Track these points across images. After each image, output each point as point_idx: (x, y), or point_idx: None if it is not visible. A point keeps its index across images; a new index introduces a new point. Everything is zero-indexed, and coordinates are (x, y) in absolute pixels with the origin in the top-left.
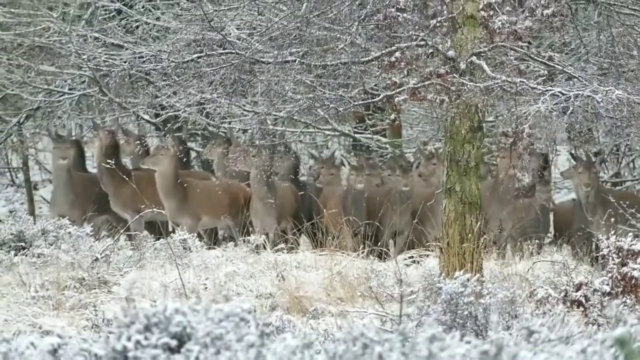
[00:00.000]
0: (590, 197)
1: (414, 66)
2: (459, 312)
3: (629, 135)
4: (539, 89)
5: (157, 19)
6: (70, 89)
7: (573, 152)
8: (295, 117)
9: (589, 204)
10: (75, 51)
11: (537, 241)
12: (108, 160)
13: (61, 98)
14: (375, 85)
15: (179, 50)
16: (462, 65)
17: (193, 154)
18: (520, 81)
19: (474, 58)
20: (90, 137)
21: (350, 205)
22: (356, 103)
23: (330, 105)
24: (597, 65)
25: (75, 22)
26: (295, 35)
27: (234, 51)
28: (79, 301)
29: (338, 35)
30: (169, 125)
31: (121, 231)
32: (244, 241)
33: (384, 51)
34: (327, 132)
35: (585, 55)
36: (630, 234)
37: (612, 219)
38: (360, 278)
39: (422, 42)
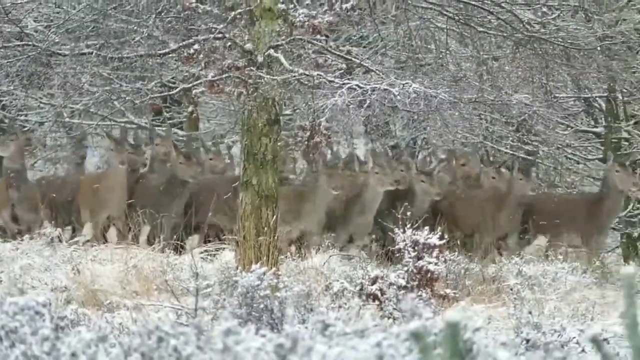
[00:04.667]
0: None
1: (212, 59)
2: (255, 305)
3: (426, 128)
4: (337, 82)
5: None
6: None
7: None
8: (92, 110)
9: None
10: None
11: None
12: None
13: None
14: (173, 77)
15: None
16: (260, 58)
17: None
18: (318, 74)
19: (271, 51)
20: None
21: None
22: (153, 95)
23: (127, 98)
24: (394, 59)
25: None
26: (93, 28)
27: (30, 43)
28: None
29: (135, 28)
30: None
31: None
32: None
33: (181, 44)
34: (124, 125)
35: (383, 48)
36: (427, 227)
37: None
38: (156, 271)
39: (220, 35)
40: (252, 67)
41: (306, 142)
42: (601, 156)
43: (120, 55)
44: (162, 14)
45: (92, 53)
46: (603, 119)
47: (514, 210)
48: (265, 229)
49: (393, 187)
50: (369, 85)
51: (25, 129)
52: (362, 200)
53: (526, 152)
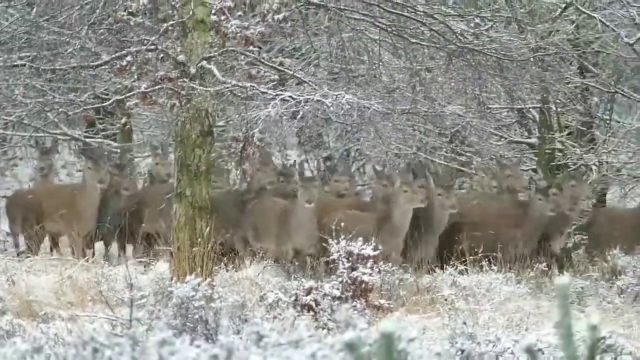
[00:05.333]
0: None
1: (145, 70)
2: (190, 316)
3: (359, 140)
4: (270, 94)
5: None
6: None
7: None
8: (25, 121)
9: None
10: None
11: None
12: None
13: None
14: (106, 89)
15: None
16: (192, 70)
17: None
18: (251, 86)
19: (204, 62)
20: None
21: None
22: (86, 107)
23: (60, 109)
24: (327, 70)
25: None
26: (25, 39)
27: None
28: None
29: (68, 40)
30: None
31: None
32: None
33: (114, 55)
34: (57, 136)
35: (316, 60)
36: (361, 238)
37: None
38: (90, 282)
39: (152, 47)
40: (184, 79)
41: (239, 154)
42: (535, 167)
43: (53, 66)
44: (95, 25)
45: (24, 65)
46: (536, 129)
47: (533, 231)
48: (199, 239)
49: (423, 205)
50: (302, 96)
51: None
52: (392, 220)
53: (460, 163)
